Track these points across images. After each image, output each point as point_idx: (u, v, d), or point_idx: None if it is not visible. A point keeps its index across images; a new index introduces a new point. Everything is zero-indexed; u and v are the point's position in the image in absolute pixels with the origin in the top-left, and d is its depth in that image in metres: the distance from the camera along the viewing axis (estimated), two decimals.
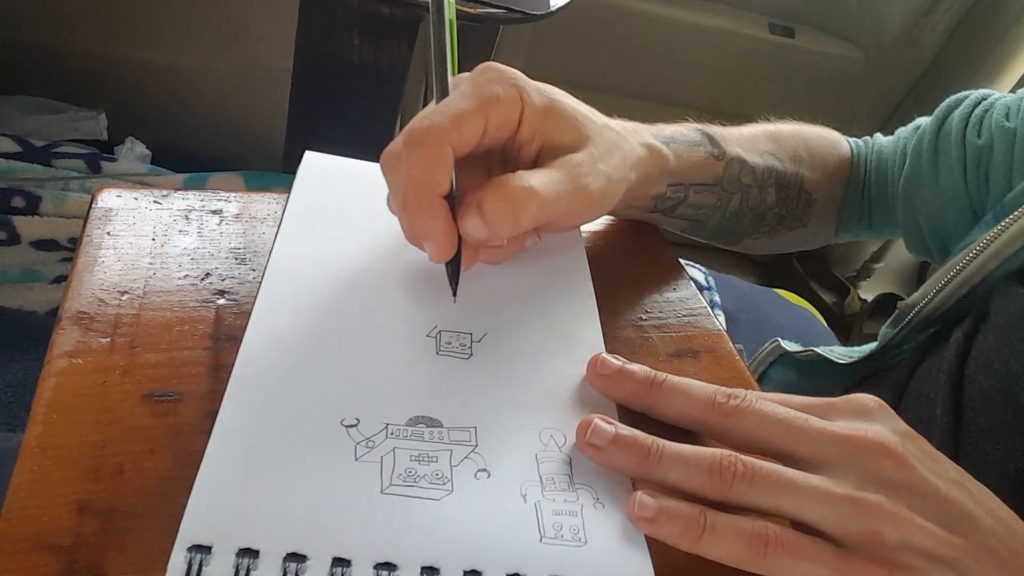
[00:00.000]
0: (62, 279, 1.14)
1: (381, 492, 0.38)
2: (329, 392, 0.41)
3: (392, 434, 0.40)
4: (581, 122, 0.49)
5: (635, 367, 0.45)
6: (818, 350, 0.76)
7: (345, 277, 0.48)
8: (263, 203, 0.54)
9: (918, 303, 0.62)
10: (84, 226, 0.49)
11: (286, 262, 0.47)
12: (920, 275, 2.19)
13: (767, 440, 0.41)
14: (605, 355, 0.46)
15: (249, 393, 0.40)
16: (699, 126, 0.63)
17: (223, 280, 0.47)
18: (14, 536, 0.33)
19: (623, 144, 0.52)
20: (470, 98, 0.44)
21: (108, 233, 0.49)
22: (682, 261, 0.61)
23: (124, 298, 0.44)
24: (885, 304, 2.07)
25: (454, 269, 0.46)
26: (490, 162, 0.51)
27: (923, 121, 0.75)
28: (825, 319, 1.26)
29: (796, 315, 1.19)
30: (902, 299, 2.02)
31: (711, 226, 0.65)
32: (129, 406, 0.39)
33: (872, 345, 0.72)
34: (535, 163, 0.49)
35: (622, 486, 0.41)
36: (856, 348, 0.76)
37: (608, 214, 0.59)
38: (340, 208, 0.53)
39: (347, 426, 0.40)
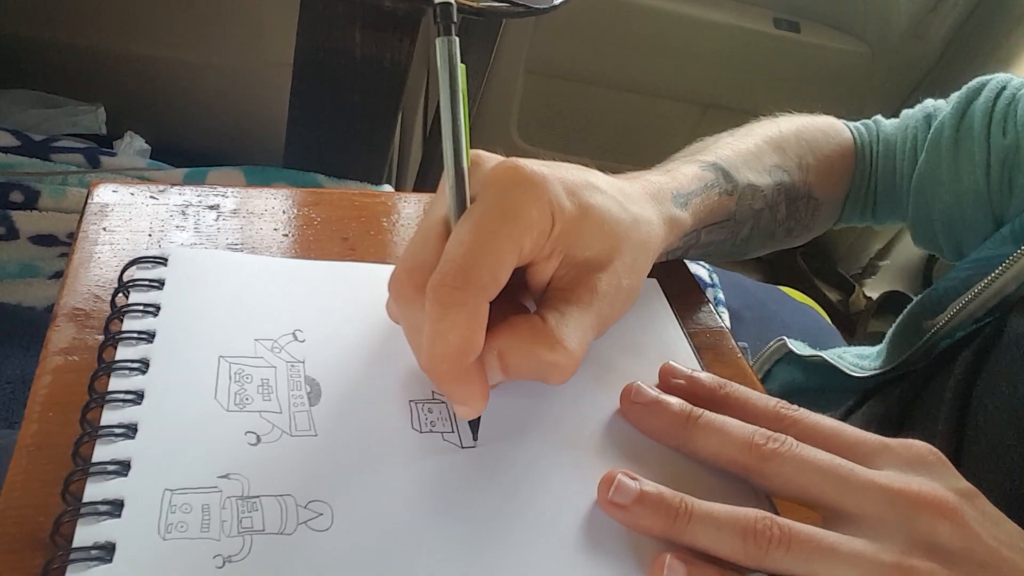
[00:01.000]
0: (61, 274, 1.14)
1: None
2: None
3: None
4: (611, 229, 0.44)
5: (671, 399, 0.43)
6: (827, 357, 0.75)
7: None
8: (261, 198, 0.54)
9: (938, 322, 0.61)
10: (80, 221, 0.49)
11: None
12: (927, 272, 2.18)
13: (807, 489, 0.38)
14: (640, 383, 0.44)
15: None
16: (711, 159, 0.59)
17: None
18: (9, 535, 0.33)
19: (650, 239, 0.47)
20: (503, 232, 0.38)
21: (104, 229, 0.48)
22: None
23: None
24: (890, 302, 2.07)
25: (474, 421, 0.42)
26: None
27: (932, 105, 0.72)
28: (830, 316, 1.26)
29: (801, 313, 1.19)
30: (908, 297, 2.02)
31: (721, 254, 0.63)
32: None
33: (880, 347, 0.71)
34: (551, 276, 0.43)
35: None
36: (867, 350, 0.75)
37: None
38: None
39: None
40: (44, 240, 1.15)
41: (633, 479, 0.39)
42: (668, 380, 0.45)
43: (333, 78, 1.12)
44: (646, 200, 0.50)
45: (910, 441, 0.39)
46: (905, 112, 0.75)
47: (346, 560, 0.35)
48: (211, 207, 0.52)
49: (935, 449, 0.39)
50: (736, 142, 0.63)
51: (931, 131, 0.69)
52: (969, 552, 0.35)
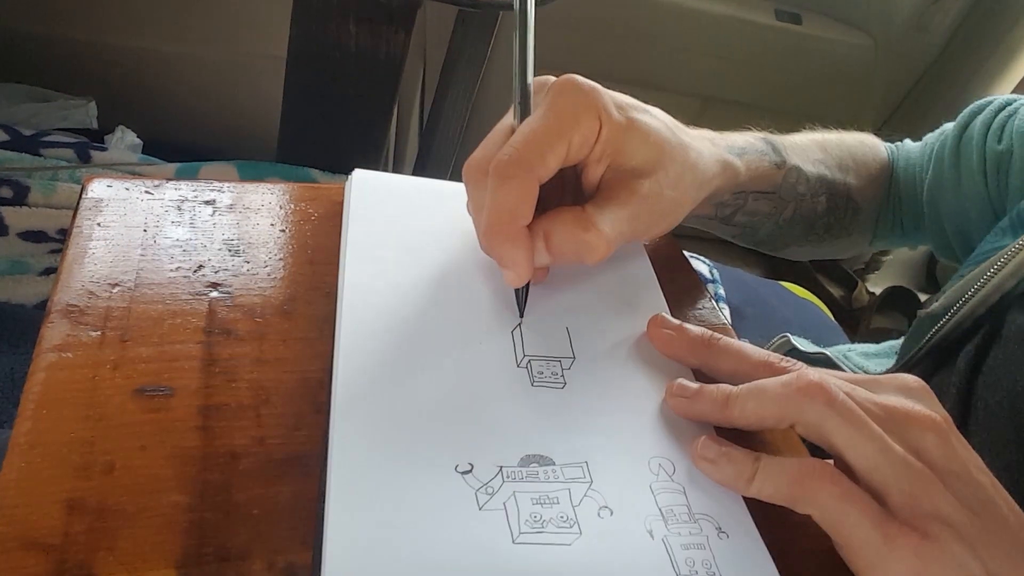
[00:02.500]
0: (51, 271, 1.14)
1: (513, 542, 0.37)
2: (437, 436, 0.41)
3: (508, 477, 0.40)
4: (656, 144, 0.50)
5: (692, 326, 0.48)
6: (831, 355, 0.76)
7: (423, 309, 0.48)
8: (257, 193, 0.54)
9: (940, 317, 0.62)
10: (74, 217, 0.49)
11: (360, 297, 0.47)
12: (929, 269, 2.19)
13: None
14: (665, 315, 0.49)
15: (356, 442, 0.39)
16: (762, 135, 0.64)
17: (216, 272, 0.47)
18: (2, 535, 0.33)
19: (699, 164, 0.53)
20: (554, 126, 0.46)
21: (99, 224, 0.48)
22: (686, 253, 0.61)
23: (115, 291, 0.44)
24: (893, 297, 2.07)
25: (524, 289, 0.48)
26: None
27: (949, 127, 0.76)
28: (832, 313, 1.26)
29: (803, 309, 1.19)
30: (911, 292, 2.02)
31: (763, 233, 0.67)
32: (120, 401, 0.39)
33: (889, 343, 0.72)
34: (600, 181, 0.50)
35: (741, 511, 0.41)
36: (872, 348, 0.76)
37: None
38: (401, 231, 0.52)
39: (462, 472, 0.39)
40: (34, 236, 1.15)
41: (691, 383, 0.45)
42: (658, 331, 0.50)
43: (327, 71, 1.12)
44: (702, 139, 0.56)
45: (898, 374, 0.45)
46: (927, 136, 0.80)
47: None
48: (207, 202, 0.52)
49: (920, 379, 0.44)
50: (784, 135, 0.69)
51: (937, 144, 0.74)
52: (947, 460, 0.40)
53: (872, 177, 0.76)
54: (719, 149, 0.57)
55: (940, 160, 0.72)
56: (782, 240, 0.70)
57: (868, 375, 0.45)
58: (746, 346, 0.46)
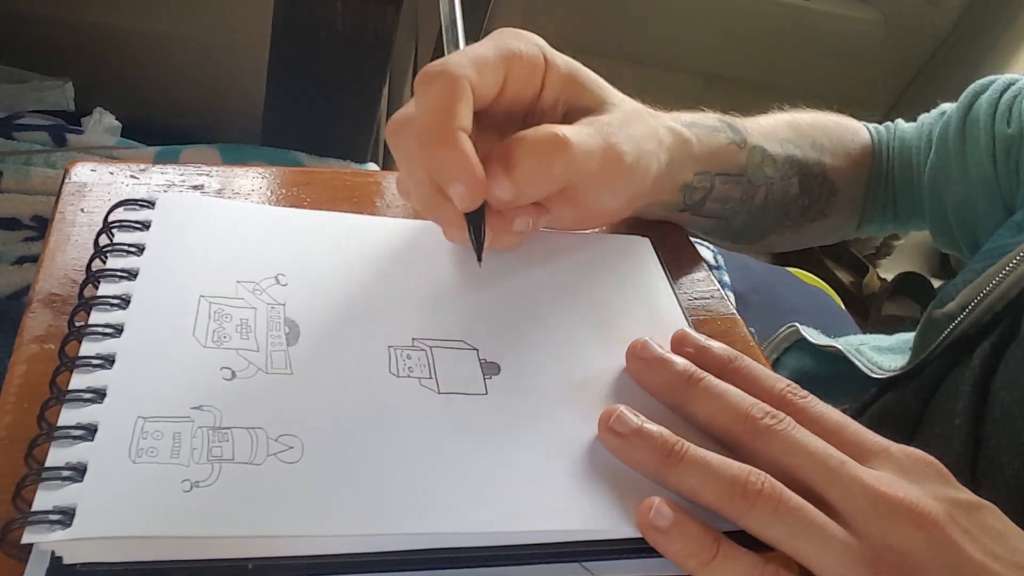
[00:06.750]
0: (25, 260, 1.14)
1: None
2: None
3: None
4: (606, 90, 0.51)
5: (677, 359, 0.45)
6: (842, 348, 0.76)
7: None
8: (247, 178, 0.54)
9: (956, 315, 0.62)
10: (56, 202, 0.49)
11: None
12: (943, 254, 2.18)
13: (794, 470, 0.40)
14: (648, 340, 0.46)
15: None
16: (717, 114, 0.63)
17: None
18: None
19: (648, 120, 0.53)
20: (490, 48, 0.45)
21: (82, 210, 0.48)
22: (692, 239, 0.61)
23: None
24: (905, 284, 2.07)
25: (477, 232, 0.46)
26: (511, 131, 0.49)
27: (948, 107, 0.75)
28: (842, 299, 1.27)
29: (811, 296, 1.19)
30: (924, 279, 2.02)
31: (737, 224, 0.66)
32: None
33: (901, 336, 0.72)
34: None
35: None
36: (885, 341, 0.76)
37: (635, 215, 0.59)
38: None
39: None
40: (7, 224, 1.15)
41: (635, 415, 0.42)
42: (679, 348, 0.47)
43: (313, 50, 1.12)
44: (644, 110, 0.55)
45: (912, 449, 0.41)
46: (922, 116, 0.78)
47: (313, 492, 0.37)
48: (194, 187, 0.52)
49: (935, 460, 0.41)
50: (748, 118, 0.67)
51: (939, 127, 0.72)
52: (947, 564, 0.36)
53: (851, 157, 0.75)
54: (664, 119, 0.57)
55: (944, 144, 0.71)
56: (759, 229, 0.69)
57: (879, 440, 0.42)
58: (730, 390, 0.43)
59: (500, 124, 0.49)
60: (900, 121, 0.80)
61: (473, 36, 0.48)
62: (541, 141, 0.44)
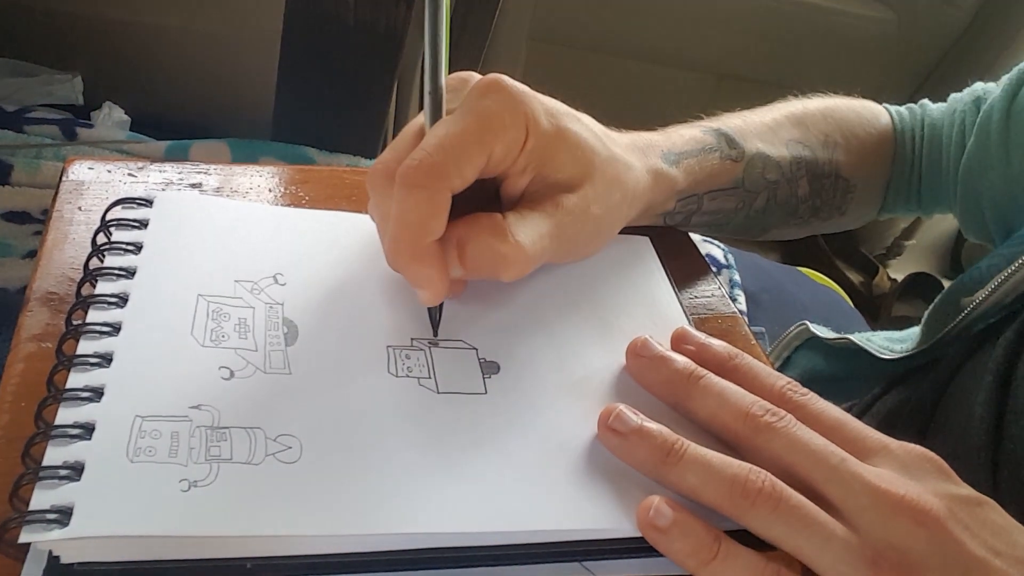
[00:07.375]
0: (35, 253, 1.14)
1: None
2: None
3: None
4: (585, 156, 0.47)
5: (677, 356, 0.45)
6: (854, 339, 0.75)
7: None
8: (245, 176, 0.54)
9: (976, 298, 0.61)
10: (54, 200, 0.49)
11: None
12: (955, 254, 2.18)
13: (794, 468, 0.40)
14: (648, 338, 0.46)
15: None
16: (715, 125, 0.62)
17: None
18: None
19: (627, 179, 0.51)
20: (473, 132, 0.42)
21: (80, 208, 0.48)
22: (699, 237, 0.61)
23: None
24: (916, 284, 2.07)
25: (437, 309, 0.46)
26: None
27: (981, 87, 0.73)
28: (852, 299, 1.26)
29: (822, 295, 1.19)
30: (935, 279, 2.01)
31: (734, 225, 0.65)
32: None
33: (914, 329, 0.71)
34: (522, 193, 0.47)
35: None
36: (897, 334, 0.75)
37: None
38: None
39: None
40: (16, 217, 1.15)
41: (636, 414, 0.42)
42: (679, 346, 0.47)
43: (324, 45, 1.12)
44: (631, 150, 0.53)
45: (912, 445, 0.41)
46: (953, 96, 0.76)
47: (312, 491, 0.37)
48: (193, 185, 0.52)
49: (936, 456, 0.41)
50: (751, 115, 0.65)
51: (980, 115, 0.69)
52: (948, 561, 0.36)
53: (868, 150, 0.72)
54: (652, 159, 0.55)
55: (985, 134, 0.68)
56: (759, 227, 0.67)
57: (879, 437, 0.42)
58: (731, 387, 0.43)
59: None
60: (926, 102, 0.78)
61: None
62: (497, 252, 0.43)
